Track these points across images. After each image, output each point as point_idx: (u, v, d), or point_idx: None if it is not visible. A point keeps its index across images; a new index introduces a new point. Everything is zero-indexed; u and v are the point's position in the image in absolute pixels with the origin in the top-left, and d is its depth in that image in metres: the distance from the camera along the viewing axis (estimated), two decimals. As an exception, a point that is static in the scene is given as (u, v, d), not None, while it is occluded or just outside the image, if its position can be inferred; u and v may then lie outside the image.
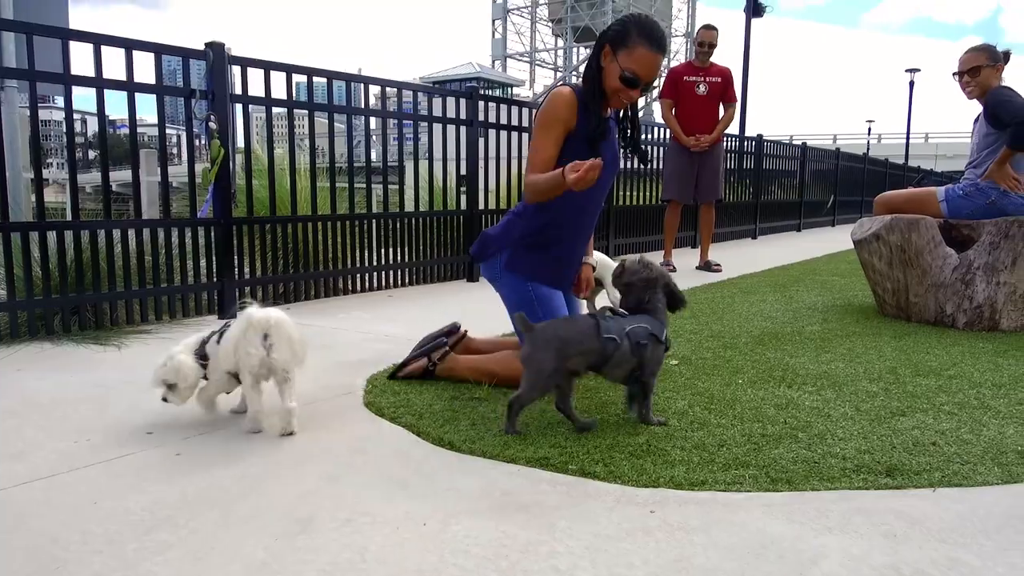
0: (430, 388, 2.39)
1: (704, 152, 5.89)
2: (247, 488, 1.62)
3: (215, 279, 3.99)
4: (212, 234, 3.99)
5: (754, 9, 14.52)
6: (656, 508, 1.51)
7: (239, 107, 4.09)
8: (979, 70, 3.63)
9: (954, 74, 3.77)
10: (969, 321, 3.40)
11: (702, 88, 5.87)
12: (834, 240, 9.39)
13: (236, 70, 4.06)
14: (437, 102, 5.49)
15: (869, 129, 47.48)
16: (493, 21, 67.00)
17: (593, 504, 1.53)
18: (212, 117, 3.88)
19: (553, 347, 1.92)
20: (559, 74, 66.29)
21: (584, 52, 66.02)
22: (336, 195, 4.58)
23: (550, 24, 66.60)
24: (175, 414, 2.10)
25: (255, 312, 1.94)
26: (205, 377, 2.06)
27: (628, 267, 2.11)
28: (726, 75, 5.93)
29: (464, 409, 2.16)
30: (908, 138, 32.80)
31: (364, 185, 4.80)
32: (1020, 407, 2.19)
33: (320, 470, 1.72)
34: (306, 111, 4.42)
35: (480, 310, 4.05)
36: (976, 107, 3.73)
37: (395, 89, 4.91)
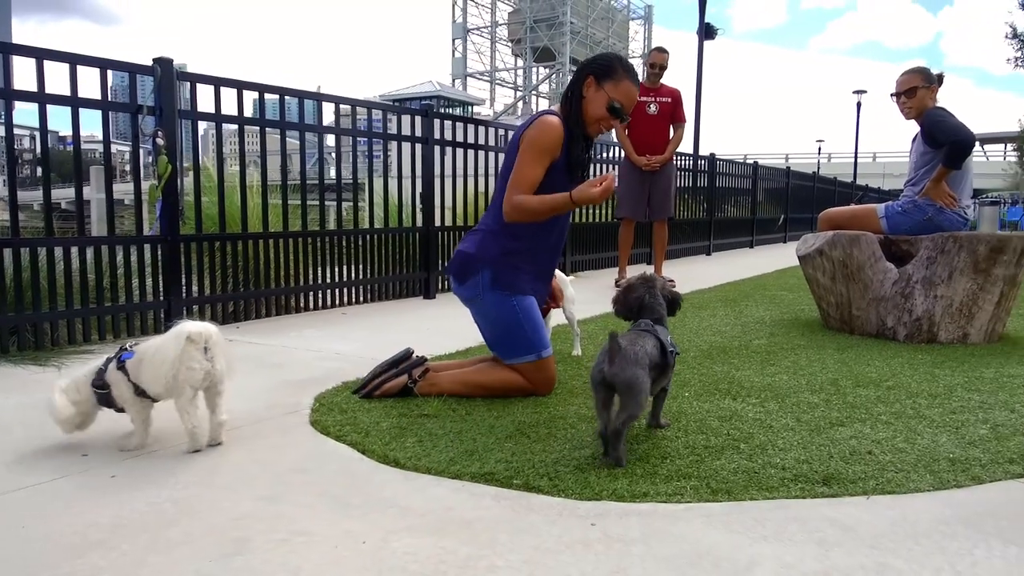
0: (379, 406, 2.38)
1: (655, 171, 5.99)
2: (183, 510, 1.58)
3: (162, 298, 3.92)
4: (159, 252, 3.92)
5: (706, 32, 14.88)
6: (597, 520, 1.52)
7: (188, 123, 4.04)
8: (915, 91, 3.78)
9: (892, 95, 3.92)
10: (909, 334, 3.51)
11: (653, 108, 5.98)
12: (784, 256, 9.60)
13: (186, 86, 4.02)
14: (395, 120, 5.50)
15: (819, 148, 48.91)
16: (453, 40, 67.39)
17: (535, 518, 1.53)
18: (159, 133, 3.82)
19: (645, 364, 1.86)
20: (519, 93, 66.90)
21: (543, 71, 66.78)
22: (288, 212, 4.54)
23: (510, 44, 67.28)
24: (113, 436, 2.05)
25: (191, 326, 1.90)
26: (111, 405, 1.98)
27: (633, 283, 2.18)
28: (676, 95, 6.06)
29: (412, 426, 2.15)
30: (856, 157, 33.83)
31: (317, 202, 4.75)
32: (953, 416, 2.26)
33: (259, 490, 1.70)
34: (257, 127, 4.38)
35: (436, 327, 4.05)
36: (915, 127, 3.88)
37: (349, 106, 4.90)
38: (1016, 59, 7.38)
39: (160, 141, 3.81)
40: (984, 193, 35.26)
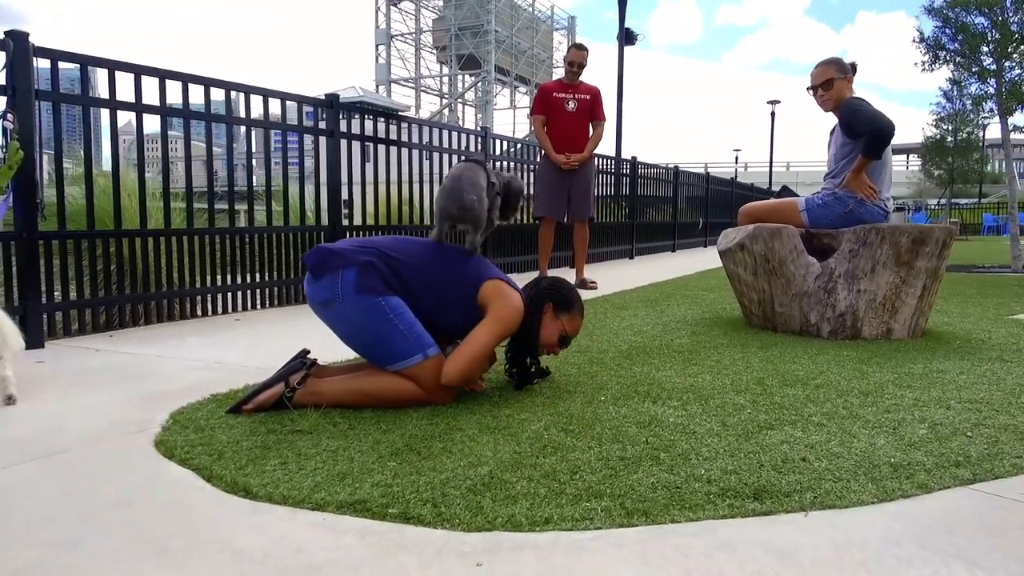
0: (246, 422, 2.01)
1: (575, 170, 5.79)
2: (-58, 566, 1.20)
3: (16, 302, 3.41)
4: (13, 251, 3.42)
5: (626, 37, 14.93)
6: (485, 558, 1.22)
7: (48, 105, 3.55)
8: (832, 82, 3.66)
9: (808, 88, 3.79)
10: (833, 330, 3.36)
11: (571, 105, 5.78)
12: (706, 259, 9.60)
13: (46, 64, 3.54)
14: (297, 111, 5.09)
15: (736, 158, 50.39)
16: (377, 46, 66.41)
17: (407, 558, 1.22)
18: (10, 116, 3.33)
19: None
20: (444, 100, 66.57)
21: (468, 79, 66.65)
22: (170, 207, 4.09)
23: (435, 51, 66.88)
24: None
25: None
26: None
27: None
28: (594, 93, 5.87)
29: (278, 445, 1.80)
30: (771, 166, 34.93)
31: (207, 197, 4.31)
32: (888, 415, 2.07)
33: (57, 533, 1.32)
34: (133, 113, 3.91)
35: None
36: (830, 123, 3.76)
37: (242, 93, 4.48)
38: (923, 63, 7.56)
39: (10, 125, 3.32)
40: (889, 200, 36.92)
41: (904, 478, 1.58)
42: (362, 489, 1.50)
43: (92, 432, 1.97)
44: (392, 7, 63.01)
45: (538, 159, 7.52)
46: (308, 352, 2.25)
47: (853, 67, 3.72)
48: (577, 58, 5.80)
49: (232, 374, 2.68)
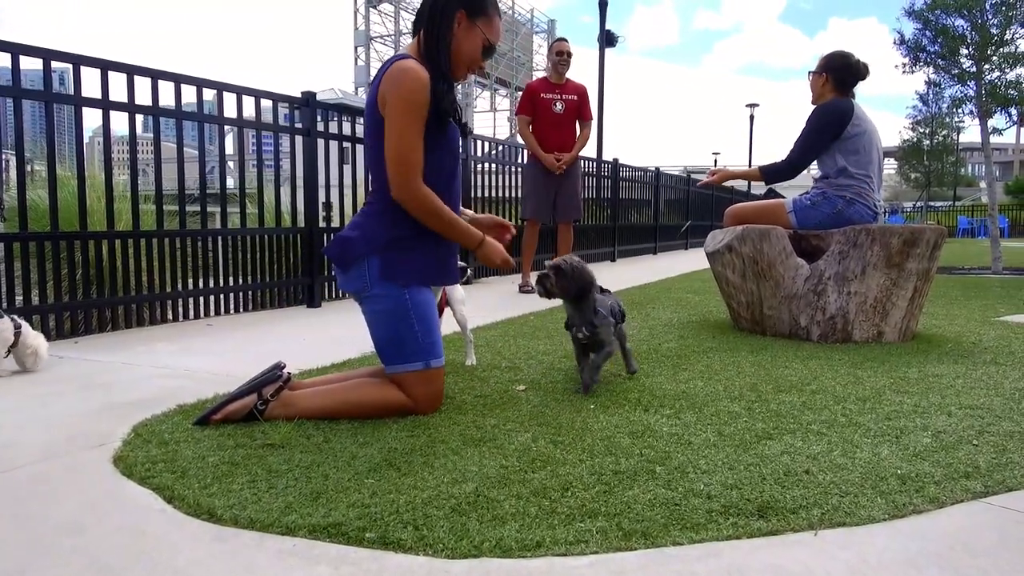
0: (213, 435, 1.89)
1: (563, 172, 5.70)
2: None
3: (-26, 308, 3.25)
4: (-30, 254, 3.25)
5: (607, 39, 14.90)
6: (473, 589, 1.11)
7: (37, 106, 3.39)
8: (811, 75, 3.66)
9: (808, 73, 3.74)
10: (823, 333, 3.29)
11: (559, 106, 5.67)
12: (688, 262, 9.56)
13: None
14: (272, 110, 4.94)
15: (715, 161, 50.72)
16: (356, 48, 66.03)
17: (387, 590, 1.11)
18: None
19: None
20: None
21: (448, 82, 66.40)
22: (139, 207, 3.93)
23: (414, 53, 66.43)
24: None
25: None
26: None
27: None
28: (582, 92, 5.78)
29: (247, 461, 1.68)
30: (750, 168, 35.19)
31: (178, 199, 4.16)
32: (889, 423, 1.99)
33: (2, 561, 1.19)
34: (100, 110, 3.74)
35: (315, 339, 3.56)
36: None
37: (214, 91, 4.34)
38: (904, 65, 7.56)
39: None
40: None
41: (914, 491, 1.49)
42: (337, 510, 1.39)
43: (48, 447, 1.83)
44: (371, 9, 62.75)
45: (518, 160, 7.44)
46: (283, 365, 2.12)
47: (855, 68, 3.57)
48: (565, 48, 5.69)
49: (201, 383, 2.54)
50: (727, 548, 1.25)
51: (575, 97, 5.73)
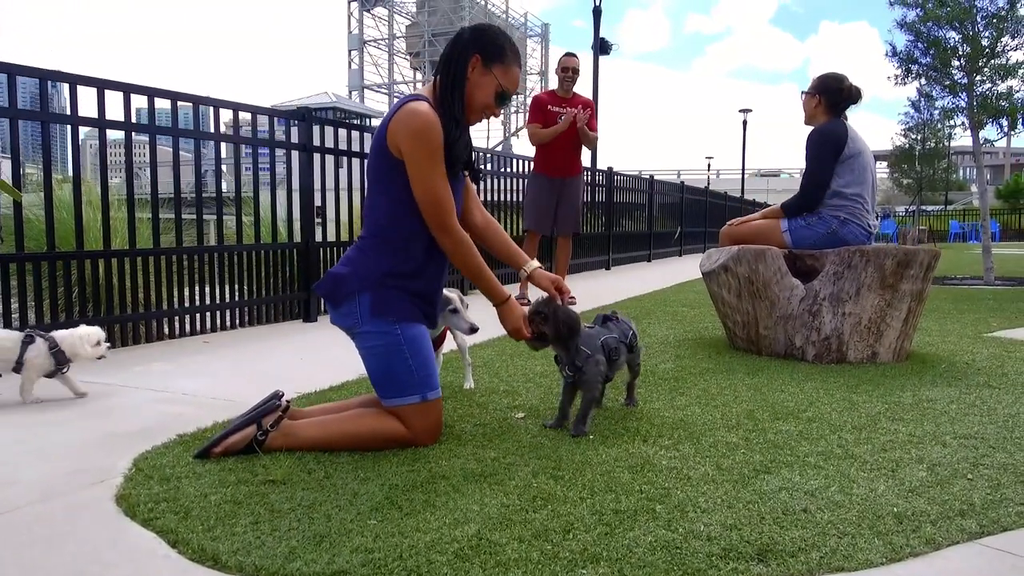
0: (214, 469, 1.89)
1: (565, 184, 5.73)
2: None
3: (-31, 328, 3.24)
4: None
5: (601, 47, 14.94)
6: (478, 644, 1.12)
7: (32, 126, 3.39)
8: (804, 95, 3.69)
9: (801, 92, 3.78)
10: (818, 353, 3.32)
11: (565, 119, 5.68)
12: (682, 271, 9.59)
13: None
14: (268, 125, 4.95)
15: (709, 165, 50.88)
16: (350, 52, 65.96)
17: (393, 646, 1.12)
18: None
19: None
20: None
21: (442, 85, 66.41)
22: (135, 227, 3.93)
23: (408, 57, 66.61)
24: None
25: None
26: None
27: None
28: (589, 105, 5.77)
29: (249, 500, 1.68)
30: (743, 173, 35.29)
31: (174, 215, 4.16)
32: (885, 454, 2.01)
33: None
34: (96, 129, 3.74)
35: (314, 358, 3.57)
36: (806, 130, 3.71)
37: (211, 107, 4.34)
38: (896, 76, 7.63)
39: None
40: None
41: (910, 531, 1.51)
42: (341, 556, 1.40)
43: (48, 484, 1.83)
44: (365, 13, 62.67)
45: (509, 169, 7.46)
46: (282, 394, 2.13)
47: (848, 91, 3.61)
48: (572, 64, 5.68)
49: (200, 408, 2.55)
50: (728, 597, 1.27)
51: (582, 110, 5.73)
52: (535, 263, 2.35)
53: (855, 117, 3.60)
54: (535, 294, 2.17)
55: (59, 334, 2.70)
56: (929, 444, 2.10)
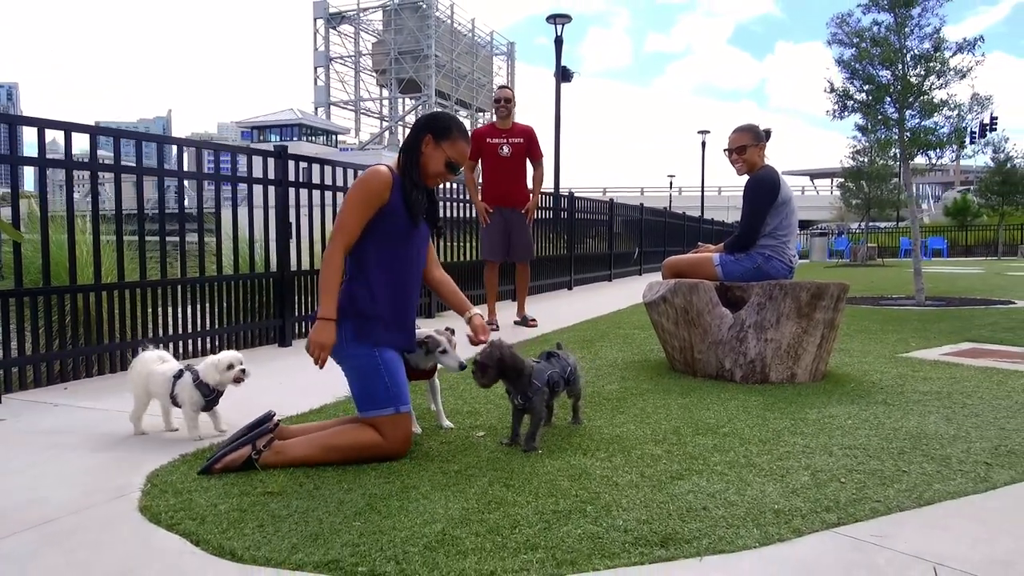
0: (218, 484, 2.24)
1: (513, 213, 6.09)
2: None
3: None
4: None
5: (563, 74, 15.50)
6: (442, 609, 1.50)
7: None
8: (745, 148, 4.11)
9: (724, 151, 4.23)
10: (744, 375, 3.76)
11: (506, 150, 5.98)
12: (639, 290, 10.01)
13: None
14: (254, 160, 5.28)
15: (671, 183, 52.01)
16: (316, 68, 66.07)
17: (378, 612, 1.49)
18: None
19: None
20: (385, 123, 66.50)
21: (409, 103, 66.87)
22: (124, 260, 4.23)
23: (374, 74, 66.88)
24: None
25: None
26: None
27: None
28: (529, 133, 6.06)
29: (253, 508, 2.04)
30: (703, 192, 36.27)
31: (159, 250, 4.46)
32: (780, 463, 2.43)
33: (73, 601, 1.54)
34: (88, 171, 4.06)
35: (291, 382, 3.90)
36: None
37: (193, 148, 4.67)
38: (833, 111, 8.24)
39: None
40: (813, 224, 38.82)
41: (783, 523, 1.93)
42: (334, 549, 1.76)
43: (75, 500, 2.16)
44: (331, 30, 62.87)
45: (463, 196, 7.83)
46: (273, 414, 2.50)
47: (767, 134, 4.16)
48: (503, 95, 6.03)
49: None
50: (634, 572, 1.66)
51: (522, 140, 6.03)
52: (475, 310, 2.83)
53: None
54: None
55: (199, 365, 2.77)
56: (818, 454, 2.54)
